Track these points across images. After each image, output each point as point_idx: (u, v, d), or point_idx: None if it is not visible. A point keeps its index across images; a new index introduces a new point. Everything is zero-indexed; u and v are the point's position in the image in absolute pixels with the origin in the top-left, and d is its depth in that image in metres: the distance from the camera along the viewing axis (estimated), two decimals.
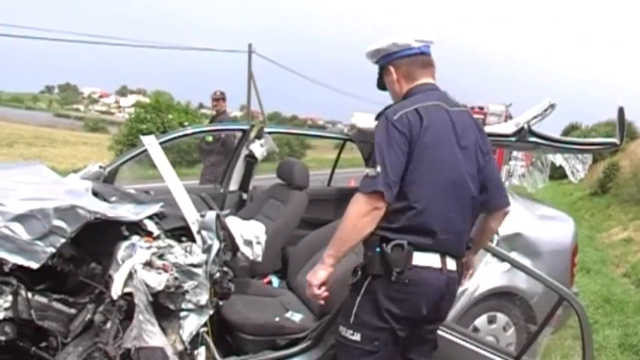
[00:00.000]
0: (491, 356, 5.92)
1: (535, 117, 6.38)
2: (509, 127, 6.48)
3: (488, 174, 4.91)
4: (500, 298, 6.88)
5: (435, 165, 4.54)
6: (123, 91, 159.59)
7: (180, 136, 7.84)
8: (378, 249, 4.54)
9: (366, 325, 4.57)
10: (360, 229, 4.45)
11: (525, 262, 6.41)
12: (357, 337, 4.59)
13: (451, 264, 4.61)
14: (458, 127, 4.74)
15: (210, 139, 13.38)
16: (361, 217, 4.42)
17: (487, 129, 7.10)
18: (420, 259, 4.48)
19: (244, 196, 7.65)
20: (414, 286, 4.47)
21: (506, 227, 6.28)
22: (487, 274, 6.55)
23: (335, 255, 4.60)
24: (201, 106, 69.54)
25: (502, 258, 6.07)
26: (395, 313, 4.50)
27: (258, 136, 7.55)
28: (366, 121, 7.42)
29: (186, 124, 28.08)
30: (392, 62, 4.93)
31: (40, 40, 35.45)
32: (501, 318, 6.95)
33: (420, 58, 4.90)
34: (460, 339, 5.88)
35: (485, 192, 4.86)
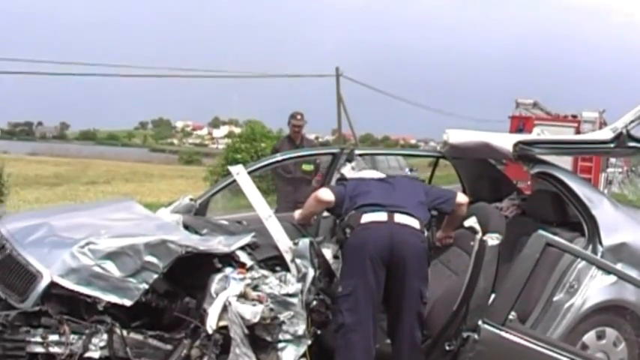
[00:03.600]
0: None
1: (633, 121, 6.15)
2: (605, 134, 6.27)
3: None
4: (608, 312, 6.58)
5: None
6: (215, 123, 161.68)
7: (269, 164, 7.84)
8: None
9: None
10: None
11: (632, 273, 6.16)
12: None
13: None
14: None
15: (309, 167, 12.79)
16: None
17: (582, 137, 6.84)
18: None
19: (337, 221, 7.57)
20: None
21: (610, 237, 6.02)
22: (593, 287, 6.29)
23: None
24: None
25: (608, 270, 5.84)
26: None
27: (349, 159, 7.47)
28: (460, 137, 7.26)
29: None
30: None
31: (132, 78, 36.18)
32: (611, 333, 6.64)
33: None
34: (569, 358, 5.65)
35: None
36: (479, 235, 5.55)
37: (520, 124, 20.90)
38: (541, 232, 5.64)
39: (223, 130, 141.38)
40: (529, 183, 11.39)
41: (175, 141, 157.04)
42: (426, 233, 5.61)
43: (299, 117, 12.97)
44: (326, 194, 5.91)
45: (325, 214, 6.72)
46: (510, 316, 5.49)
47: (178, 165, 68.23)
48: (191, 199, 6.83)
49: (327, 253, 5.75)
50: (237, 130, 44.89)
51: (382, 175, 6.25)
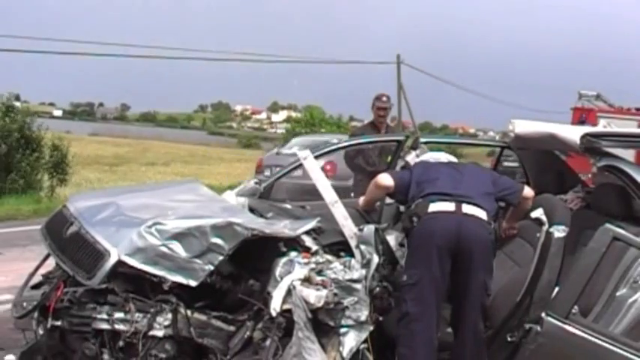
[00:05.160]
0: None
1: None
2: None
3: None
4: None
5: None
6: (274, 107, 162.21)
7: (334, 150, 7.79)
8: None
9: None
10: None
11: None
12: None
13: None
14: None
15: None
16: None
17: None
18: None
19: (401, 208, 7.52)
20: None
21: None
22: None
23: None
24: (351, 118, 69.85)
25: None
26: None
27: (414, 147, 7.42)
28: (526, 127, 7.18)
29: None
30: None
31: (192, 61, 36.46)
32: None
33: None
34: (631, 353, 5.57)
35: None
36: (545, 227, 5.51)
37: (582, 116, 20.61)
38: (608, 225, 5.59)
39: (282, 114, 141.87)
40: (590, 176, 11.26)
41: (234, 124, 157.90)
42: (492, 225, 5.56)
43: (384, 99, 11.30)
44: (385, 179, 5.89)
45: (389, 200, 6.70)
46: (573, 310, 5.45)
47: (237, 148, 68.54)
48: (256, 183, 6.85)
49: (391, 240, 5.73)
50: (295, 115, 44.87)
51: (450, 159, 6.24)
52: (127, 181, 27.03)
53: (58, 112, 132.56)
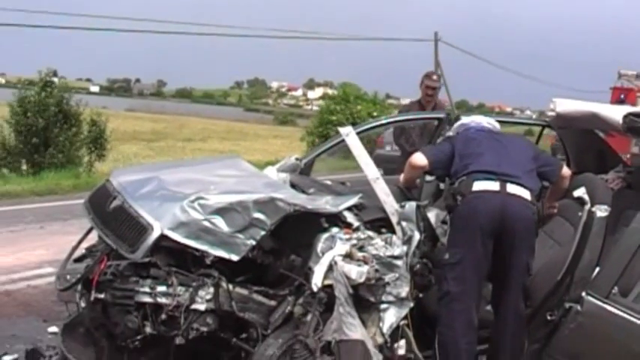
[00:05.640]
0: None
1: None
2: None
3: None
4: None
5: None
6: (310, 84, 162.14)
7: (375, 126, 7.79)
8: None
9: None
10: None
11: None
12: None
13: None
14: None
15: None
16: None
17: None
18: None
19: (441, 186, 7.50)
20: None
21: None
22: None
23: None
24: (388, 96, 69.63)
25: None
26: None
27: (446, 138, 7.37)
28: (567, 106, 7.12)
29: (375, 114, 28.17)
30: None
31: (229, 37, 36.59)
32: None
33: None
34: None
35: None
36: (587, 206, 5.48)
37: (621, 96, 20.41)
38: None
39: (318, 91, 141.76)
40: (629, 156, 11.18)
41: (270, 101, 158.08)
42: (536, 205, 5.55)
43: (434, 77, 10.58)
44: (418, 159, 5.87)
45: (428, 178, 6.69)
46: (613, 290, 5.43)
47: (273, 125, 68.71)
48: (297, 159, 6.86)
49: (432, 217, 5.73)
50: (332, 92, 44.78)
51: (492, 123, 6.21)
52: (165, 157, 27.30)
53: (94, 88, 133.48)
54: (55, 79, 21.38)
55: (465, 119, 6.37)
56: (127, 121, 46.38)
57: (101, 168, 20.34)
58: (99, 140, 20.79)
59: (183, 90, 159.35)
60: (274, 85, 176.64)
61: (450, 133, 6.38)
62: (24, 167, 19.15)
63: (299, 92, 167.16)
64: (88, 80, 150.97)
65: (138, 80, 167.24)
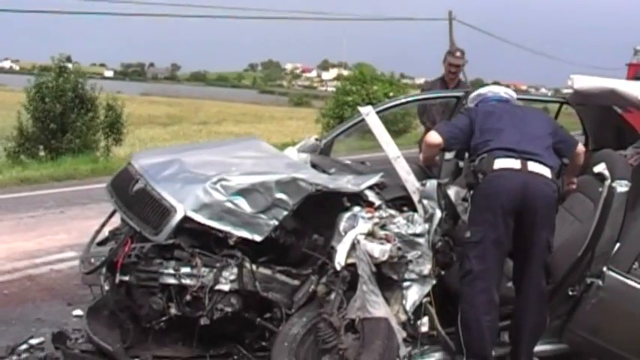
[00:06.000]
0: None
1: None
2: None
3: None
4: None
5: None
6: (324, 65, 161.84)
7: (394, 106, 7.85)
8: None
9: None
10: None
11: None
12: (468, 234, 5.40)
13: None
14: None
15: None
16: None
17: None
18: None
19: (460, 164, 7.49)
20: None
21: None
22: None
23: None
24: (402, 76, 69.39)
25: None
26: None
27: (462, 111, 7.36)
28: (585, 82, 7.10)
29: (391, 94, 28.11)
30: None
31: (242, 20, 36.62)
32: None
33: None
34: None
35: None
36: (607, 182, 5.48)
37: (638, 72, 20.24)
38: None
39: (332, 72, 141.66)
40: None
41: (284, 83, 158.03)
42: (556, 182, 5.55)
43: (458, 54, 10.19)
44: (433, 137, 5.80)
45: (448, 156, 6.69)
46: (634, 265, 5.44)
47: (288, 107, 68.67)
48: (316, 139, 6.87)
49: (452, 194, 5.73)
50: (346, 73, 44.67)
51: (509, 93, 6.22)
52: (181, 140, 27.33)
53: (109, 73, 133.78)
54: (69, 65, 21.38)
55: (481, 90, 6.35)
56: (142, 105, 46.50)
57: (118, 152, 20.39)
58: (115, 125, 20.82)
59: (197, 73, 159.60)
60: (288, 66, 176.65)
61: (470, 104, 6.37)
62: (41, 153, 19.13)
63: (313, 73, 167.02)
64: (102, 65, 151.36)
65: (152, 64, 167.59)
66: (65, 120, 19.04)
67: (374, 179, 5.58)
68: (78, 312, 6.55)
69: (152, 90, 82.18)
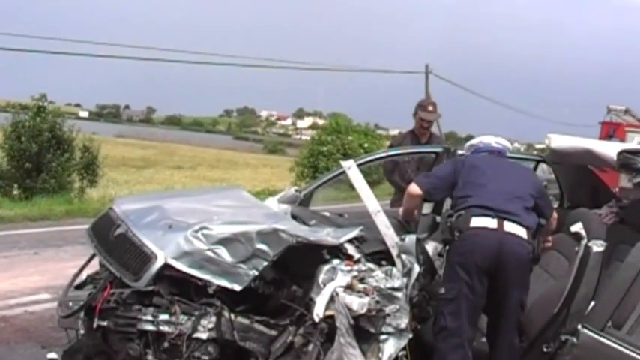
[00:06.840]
0: None
1: None
2: None
3: None
4: None
5: None
6: (299, 114, 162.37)
7: (375, 159, 7.91)
8: None
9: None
10: None
11: None
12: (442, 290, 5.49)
13: None
14: None
15: None
16: None
17: None
18: None
19: (437, 219, 7.54)
20: None
21: None
22: None
23: None
24: (377, 126, 69.65)
25: None
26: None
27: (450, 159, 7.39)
28: (562, 142, 7.22)
29: (366, 145, 28.27)
30: None
31: (218, 66, 36.67)
32: None
33: None
34: None
35: None
36: (584, 241, 5.56)
37: (610, 131, 20.50)
38: None
39: (307, 121, 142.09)
40: (617, 190, 11.29)
41: (259, 130, 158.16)
42: (532, 243, 5.65)
43: (431, 108, 9.27)
44: (413, 189, 6.00)
45: (425, 211, 6.76)
46: (608, 323, 5.51)
47: (262, 154, 68.77)
48: (296, 190, 6.93)
49: (430, 249, 5.81)
50: (321, 122, 44.89)
51: (502, 143, 6.34)
52: (155, 184, 27.27)
53: (84, 113, 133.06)
54: (46, 104, 21.31)
55: (474, 140, 6.48)
56: (117, 147, 46.29)
57: (92, 194, 20.32)
58: (91, 166, 20.75)
59: (172, 117, 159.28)
60: (263, 113, 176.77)
61: (463, 152, 6.47)
62: (15, 192, 19.06)
63: (288, 121, 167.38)
64: (77, 105, 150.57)
65: (127, 106, 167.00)
66: (41, 160, 18.92)
67: (354, 232, 5.63)
68: (52, 355, 6.47)
69: (127, 132, 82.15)
